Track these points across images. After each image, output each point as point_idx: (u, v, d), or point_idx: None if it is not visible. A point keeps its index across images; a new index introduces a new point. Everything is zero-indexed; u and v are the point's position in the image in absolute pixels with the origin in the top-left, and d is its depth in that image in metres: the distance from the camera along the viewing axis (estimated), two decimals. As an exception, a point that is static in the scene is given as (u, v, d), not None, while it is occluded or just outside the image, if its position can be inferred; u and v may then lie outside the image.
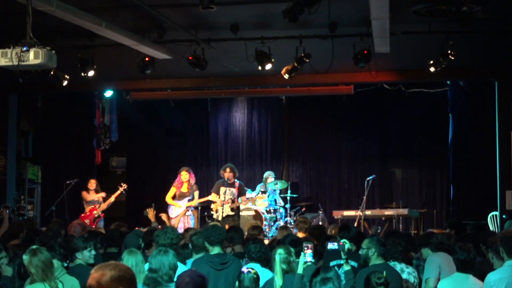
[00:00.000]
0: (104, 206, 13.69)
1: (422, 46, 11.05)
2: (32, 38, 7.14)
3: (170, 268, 5.37)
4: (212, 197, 13.15)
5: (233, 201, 13.07)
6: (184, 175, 13.05)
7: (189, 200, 13.08)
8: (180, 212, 13.01)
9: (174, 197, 13.12)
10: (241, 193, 13.22)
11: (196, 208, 13.89)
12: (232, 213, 12.82)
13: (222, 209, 12.89)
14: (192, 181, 13.20)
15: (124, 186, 13.73)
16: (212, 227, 6.95)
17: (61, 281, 5.83)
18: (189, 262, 6.87)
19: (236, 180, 13.32)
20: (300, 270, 5.73)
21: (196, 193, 13.17)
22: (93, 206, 13.61)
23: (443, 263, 6.70)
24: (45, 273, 5.66)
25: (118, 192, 13.70)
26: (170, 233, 6.95)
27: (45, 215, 14.26)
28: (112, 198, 13.70)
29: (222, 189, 13.06)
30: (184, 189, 13.10)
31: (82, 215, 13.56)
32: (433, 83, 14.79)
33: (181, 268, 5.93)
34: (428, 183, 15.53)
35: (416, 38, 10.54)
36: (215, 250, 6.67)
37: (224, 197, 12.96)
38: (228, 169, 13.10)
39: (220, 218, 12.46)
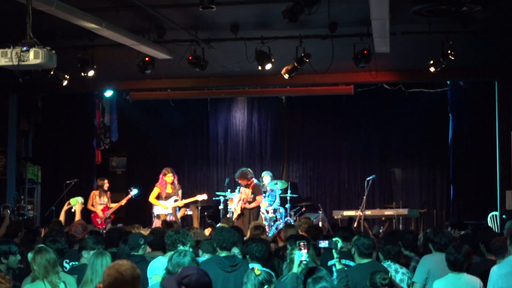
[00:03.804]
0: (114, 208, 13.71)
1: (422, 46, 11.04)
2: (32, 38, 7.13)
3: None
4: (235, 197, 13.69)
5: (249, 202, 13.46)
6: (169, 177, 13.17)
7: (175, 201, 13.16)
8: (169, 213, 13.04)
9: (158, 198, 13.22)
10: (255, 193, 13.43)
11: (196, 207, 13.96)
12: (240, 213, 13.41)
13: (236, 209, 13.52)
14: (176, 181, 13.31)
15: (134, 190, 13.76)
16: (222, 232, 6.84)
17: (64, 281, 5.84)
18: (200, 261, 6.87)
19: (254, 180, 13.66)
20: (295, 269, 5.72)
21: (180, 192, 13.34)
22: (104, 206, 13.63)
23: (436, 266, 6.60)
24: (47, 272, 5.67)
25: (129, 196, 13.74)
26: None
27: (45, 215, 14.27)
28: (123, 202, 13.74)
29: (242, 190, 13.60)
30: (169, 189, 13.20)
31: (94, 214, 13.58)
32: (433, 83, 14.80)
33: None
34: (428, 183, 15.52)
35: (416, 38, 10.52)
36: (224, 252, 6.59)
37: (240, 198, 13.45)
38: (238, 178, 13.68)
39: (234, 218, 13.11)
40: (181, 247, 6.54)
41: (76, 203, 12.10)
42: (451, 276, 6.11)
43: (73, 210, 12.03)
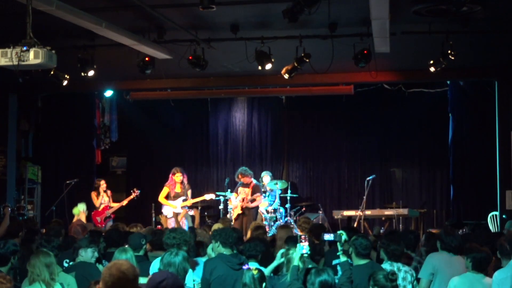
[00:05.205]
0: (116, 207, 13.69)
1: (422, 46, 11.04)
2: (32, 38, 7.13)
3: (178, 272, 5.36)
4: (233, 196, 13.68)
5: (251, 201, 13.53)
6: (178, 177, 13.17)
7: (183, 200, 13.16)
8: (179, 212, 13.08)
9: (167, 197, 13.22)
10: (254, 193, 13.50)
11: (196, 207, 14.00)
12: (240, 212, 13.51)
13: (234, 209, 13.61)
14: (185, 180, 13.32)
15: (137, 192, 13.76)
16: (224, 230, 6.86)
17: (61, 283, 5.85)
18: (201, 261, 6.87)
19: (253, 180, 13.70)
20: (295, 262, 5.75)
21: (189, 192, 13.32)
22: (105, 205, 13.63)
23: (440, 264, 6.69)
24: (41, 274, 5.67)
25: (131, 197, 13.76)
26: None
27: (45, 215, 14.28)
28: (125, 202, 13.73)
29: (240, 189, 13.59)
30: (178, 189, 13.20)
31: (94, 212, 13.58)
32: (433, 83, 14.80)
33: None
34: (428, 183, 15.53)
35: (416, 38, 10.53)
36: (227, 250, 6.59)
37: (236, 197, 13.53)
38: (239, 175, 13.72)
39: (234, 217, 13.29)
40: (184, 247, 6.53)
41: (79, 212, 12.20)
42: (471, 275, 6.15)
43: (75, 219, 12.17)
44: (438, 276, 6.64)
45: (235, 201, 13.66)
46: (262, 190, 14.49)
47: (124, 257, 6.06)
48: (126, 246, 6.89)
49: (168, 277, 4.42)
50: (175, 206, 13.08)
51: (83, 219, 12.37)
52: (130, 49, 10.43)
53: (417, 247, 8.27)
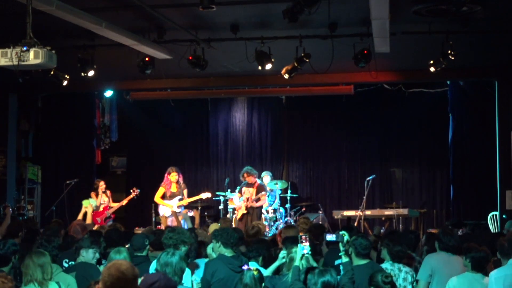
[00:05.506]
0: (115, 207, 13.67)
1: (422, 46, 11.05)
2: (32, 38, 7.14)
3: (175, 272, 5.36)
4: (236, 196, 13.74)
5: (256, 201, 13.58)
6: (174, 176, 13.14)
7: (179, 200, 13.15)
8: (178, 212, 13.06)
9: (163, 197, 13.20)
10: (259, 192, 13.61)
11: (196, 208, 13.99)
12: (245, 212, 13.56)
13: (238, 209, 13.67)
14: (181, 180, 13.30)
15: (136, 191, 13.73)
16: (225, 229, 6.86)
17: (57, 282, 5.84)
18: (201, 262, 6.87)
19: (257, 180, 13.78)
20: (297, 262, 5.76)
21: (185, 192, 13.29)
22: (105, 206, 13.62)
23: (438, 264, 6.71)
24: (35, 275, 5.66)
25: (131, 196, 13.71)
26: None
27: (45, 215, 14.28)
28: (124, 202, 13.69)
29: (244, 189, 13.64)
30: (174, 188, 13.19)
31: (94, 212, 13.55)
32: (433, 83, 14.80)
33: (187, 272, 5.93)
34: (428, 183, 15.53)
35: (416, 38, 10.54)
36: (229, 251, 6.57)
37: (241, 197, 13.58)
38: (245, 174, 13.76)
39: (238, 217, 13.37)
40: (182, 248, 6.52)
41: (88, 204, 12.23)
42: (470, 275, 6.19)
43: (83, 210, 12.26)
44: (436, 277, 6.65)
45: (239, 201, 13.63)
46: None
47: (118, 257, 6.03)
48: (126, 246, 6.88)
49: (161, 279, 4.42)
50: (171, 206, 13.08)
51: (89, 212, 12.43)
52: (130, 49, 10.44)
53: (418, 247, 8.28)
